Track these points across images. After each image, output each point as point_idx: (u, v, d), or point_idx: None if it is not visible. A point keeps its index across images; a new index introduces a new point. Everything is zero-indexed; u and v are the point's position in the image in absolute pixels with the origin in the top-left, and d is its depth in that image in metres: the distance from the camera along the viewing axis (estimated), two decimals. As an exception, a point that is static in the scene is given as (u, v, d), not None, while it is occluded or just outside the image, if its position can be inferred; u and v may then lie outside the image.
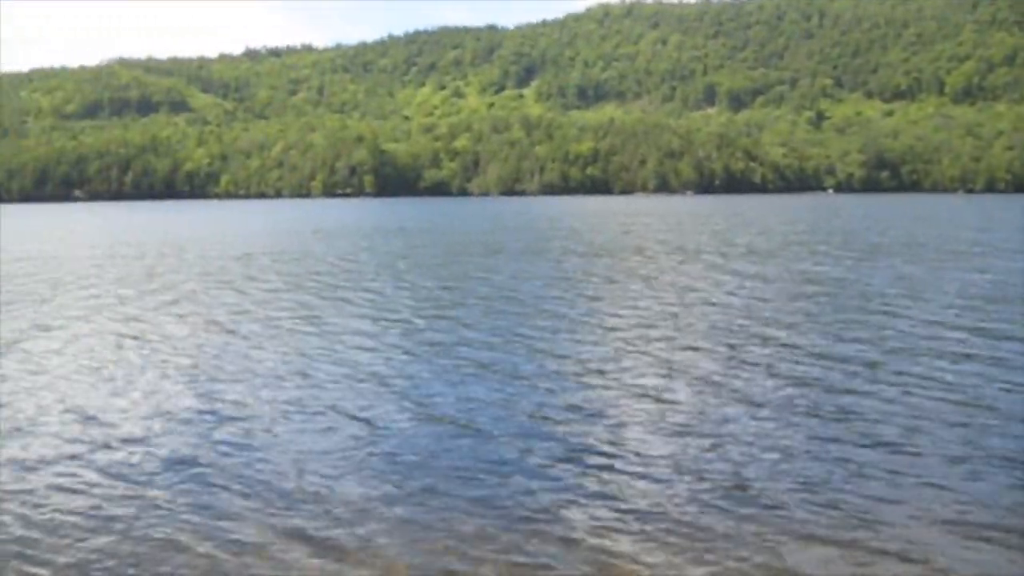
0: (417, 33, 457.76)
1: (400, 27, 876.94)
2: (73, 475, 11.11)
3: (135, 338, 20.81)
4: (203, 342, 20.15)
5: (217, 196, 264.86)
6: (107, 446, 12.28)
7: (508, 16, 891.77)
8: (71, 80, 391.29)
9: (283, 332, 21.23)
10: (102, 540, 9.11)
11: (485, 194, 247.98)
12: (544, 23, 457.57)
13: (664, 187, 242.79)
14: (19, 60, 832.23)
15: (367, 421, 13.33)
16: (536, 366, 16.99)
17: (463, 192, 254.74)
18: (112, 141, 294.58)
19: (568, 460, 11.50)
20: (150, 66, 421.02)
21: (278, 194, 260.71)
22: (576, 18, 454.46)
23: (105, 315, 24.65)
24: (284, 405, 14.29)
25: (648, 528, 9.24)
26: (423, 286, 30.67)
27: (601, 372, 16.42)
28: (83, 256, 46.95)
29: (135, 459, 11.68)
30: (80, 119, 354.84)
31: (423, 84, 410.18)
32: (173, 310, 25.64)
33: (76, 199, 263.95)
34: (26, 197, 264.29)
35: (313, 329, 21.52)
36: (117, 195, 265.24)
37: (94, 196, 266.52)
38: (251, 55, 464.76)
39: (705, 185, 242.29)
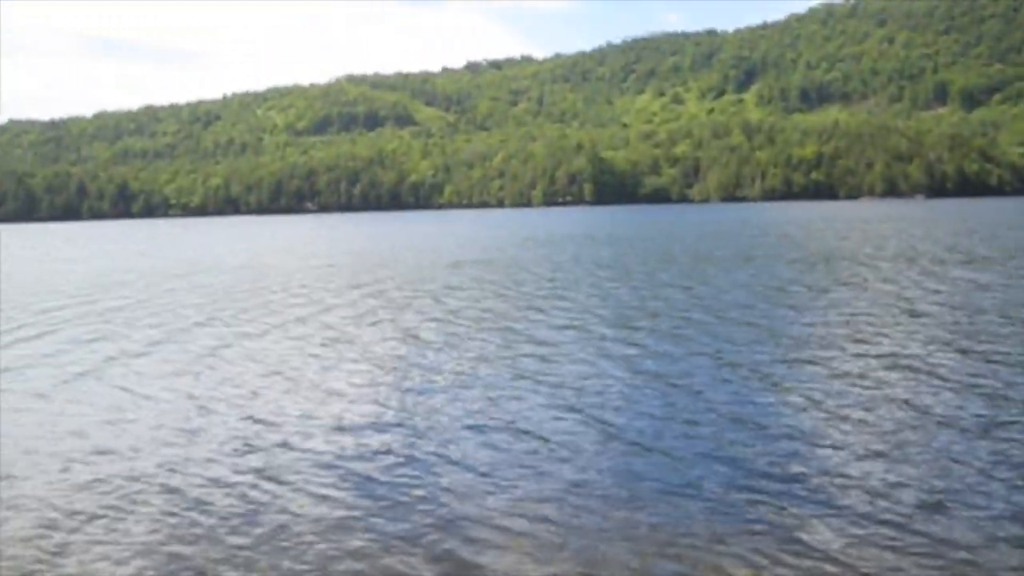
0: (635, 40, 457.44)
1: (618, 35, 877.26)
2: (251, 479, 11.31)
3: (324, 345, 21.32)
4: (394, 351, 20.37)
5: (441, 206, 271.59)
6: (283, 449, 12.43)
7: (727, 20, 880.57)
8: (303, 97, 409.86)
9: (473, 342, 21.22)
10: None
11: (705, 200, 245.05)
12: (765, 25, 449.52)
13: (892, 191, 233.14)
14: (257, 80, 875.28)
15: (545, 438, 12.99)
16: (725, 380, 16.32)
17: (683, 199, 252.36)
18: (341, 155, 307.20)
19: (754, 482, 10.86)
20: (376, 81, 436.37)
21: (500, 203, 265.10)
22: (798, 19, 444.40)
23: (304, 323, 25.44)
24: (464, 418, 14.19)
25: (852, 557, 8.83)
26: (621, 296, 30.22)
27: (792, 386, 15.61)
28: (300, 265, 48.87)
29: (301, 464, 11.72)
30: (311, 134, 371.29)
31: (642, 91, 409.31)
32: (371, 318, 26.22)
33: (308, 211, 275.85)
34: (262, 209, 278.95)
35: (500, 340, 21.44)
36: (346, 207, 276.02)
37: (324, 208, 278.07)
38: (472, 68, 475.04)
39: (936, 188, 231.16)
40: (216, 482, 11.51)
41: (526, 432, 13.34)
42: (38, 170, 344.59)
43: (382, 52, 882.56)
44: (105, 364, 20.05)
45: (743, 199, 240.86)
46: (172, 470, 12.10)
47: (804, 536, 9.21)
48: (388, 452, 12.58)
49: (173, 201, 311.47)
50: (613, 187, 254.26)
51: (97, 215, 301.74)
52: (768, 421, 13.60)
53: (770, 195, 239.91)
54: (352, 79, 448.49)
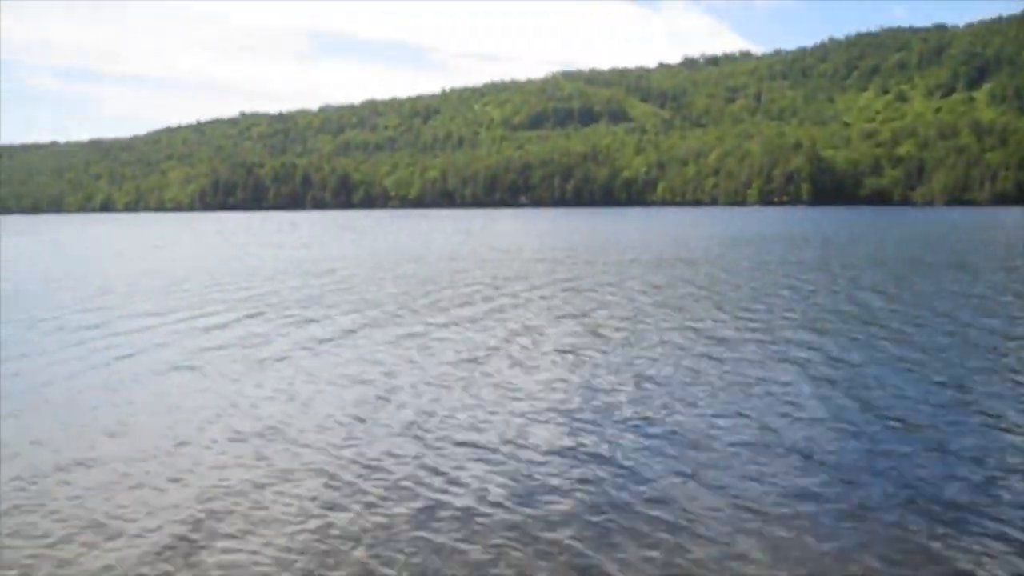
0: (859, 36, 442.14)
1: (841, 30, 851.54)
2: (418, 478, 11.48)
3: (508, 339, 21.35)
4: (574, 348, 20.26)
5: (653, 203, 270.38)
6: (447, 440, 12.51)
7: (958, 14, 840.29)
8: (519, 92, 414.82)
9: (653, 341, 20.93)
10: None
11: (929, 203, 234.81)
12: (999, 19, 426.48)
13: None
14: (475, 76, 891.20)
15: (708, 446, 12.68)
16: (912, 394, 15.36)
17: (905, 201, 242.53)
18: (555, 150, 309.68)
19: (935, 508, 10.08)
20: (591, 77, 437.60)
21: (713, 202, 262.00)
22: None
23: (495, 315, 25.66)
24: (628, 419, 13.99)
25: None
26: (817, 300, 29.28)
27: (988, 405, 14.62)
28: (502, 258, 49.43)
29: (462, 454, 11.81)
30: (527, 129, 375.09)
31: (865, 88, 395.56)
32: (558, 313, 26.23)
33: (521, 205, 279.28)
34: (477, 202, 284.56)
35: (682, 340, 21.07)
36: (559, 202, 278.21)
37: (537, 203, 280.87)
38: (689, 64, 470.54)
39: None
40: (372, 467, 11.79)
41: (689, 438, 13.05)
42: (266, 161, 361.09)
43: (598, 48, 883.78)
44: (294, 348, 20.90)
45: (970, 203, 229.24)
46: (337, 453, 12.45)
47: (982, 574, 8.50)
48: (541, 447, 12.57)
49: (392, 193, 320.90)
50: (832, 187, 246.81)
51: (320, 205, 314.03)
52: (958, 442, 12.64)
53: (1000, 199, 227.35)
54: (568, 75, 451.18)
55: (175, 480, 11.36)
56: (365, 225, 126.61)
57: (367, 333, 23.13)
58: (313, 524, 9.79)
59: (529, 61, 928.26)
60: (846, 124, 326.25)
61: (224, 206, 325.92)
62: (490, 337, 22.16)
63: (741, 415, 14.17)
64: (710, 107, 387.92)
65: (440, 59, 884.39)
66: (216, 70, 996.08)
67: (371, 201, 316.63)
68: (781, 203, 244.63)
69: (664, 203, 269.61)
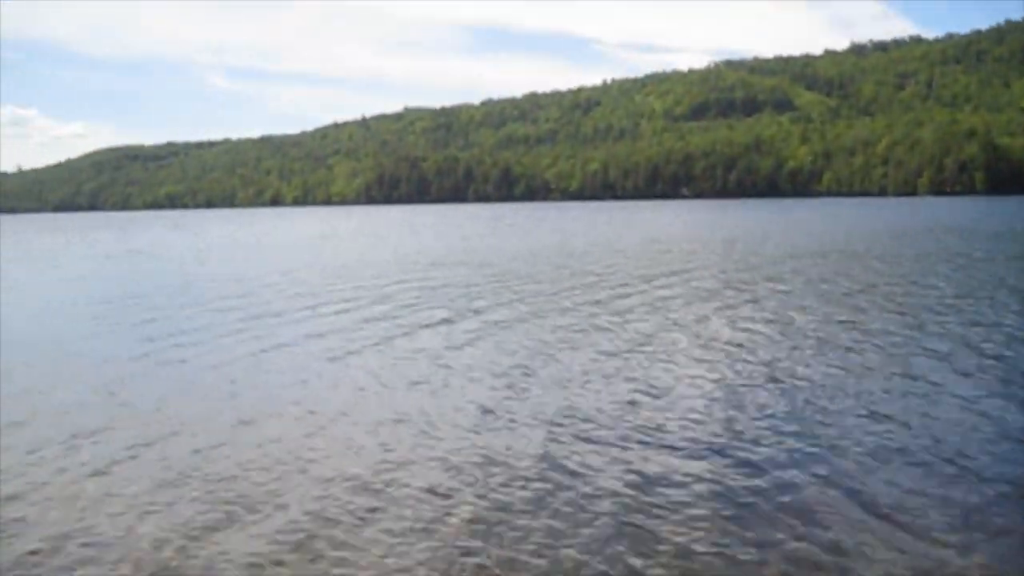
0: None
1: (1018, 11, 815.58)
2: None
3: (652, 334, 21.20)
4: (675, 343, 20.02)
5: (819, 194, 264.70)
6: (577, 436, 12.54)
7: None
8: (681, 83, 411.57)
9: (757, 341, 20.59)
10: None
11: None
12: None
13: None
14: (636, 67, 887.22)
15: (846, 450, 12.37)
16: None
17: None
18: (717, 141, 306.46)
19: None
20: (755, 66, 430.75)
21: (882, 192, 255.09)
22: None
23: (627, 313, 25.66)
24: (770, 416, 13.75)
25: None
26: (984, 297, 28.07)
27: None
28: (643, 250, 49.22)
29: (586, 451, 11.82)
30: (688, 120, 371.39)
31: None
32: (705, 309, 25.86)
33: (683, 197, 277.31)
34: (638, 194, 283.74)
35: (796, 341, 20.56)
36: (721, 193, 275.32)
37: (699, 194, 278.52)
38: (856, 50, 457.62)
39: None
40: (491, 460, 11.84)
41: (829, 437, 12.71)
42: (430, 155, 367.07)
43: (761, 36, 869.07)
44: (443, 338, 21.52)
45: None
46: (469, 441, 12.63)
47: None
48: (671, 442, 12.43)
49: (553, 185, 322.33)
50: (1008, 176, 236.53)
51: (482, 198, 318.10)
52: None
53: None
54: (730, 64, 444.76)
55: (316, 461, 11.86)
56: (527, 217, 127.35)
57: (515, 325, 23.49)
58: (431, 513, 9.91)
59: (690, 51, 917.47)
60: (1023, 110, 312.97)
61: (388, 200, 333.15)
62: (637, 331, 22.10)
63: (887, 417, 13.56)
64: (879, 94, 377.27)
65: (601, 50, 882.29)
66: (380, 65, 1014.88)
67: (532, 194, 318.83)
68: (954, 193, 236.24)
69: (830, 194, 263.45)
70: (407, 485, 10.76)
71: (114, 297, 33.14)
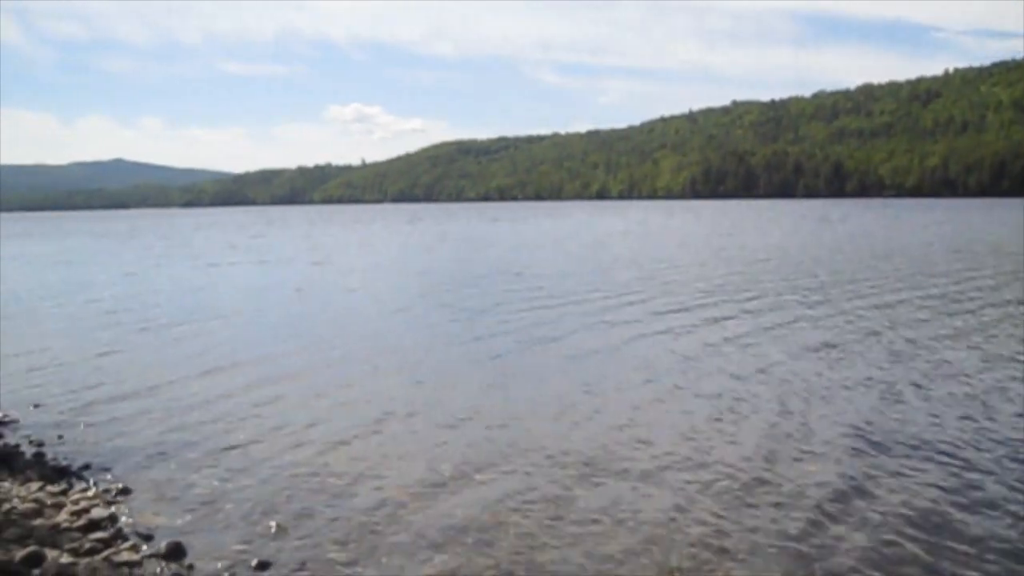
0: None
1: None
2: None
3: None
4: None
5: None
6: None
7: None
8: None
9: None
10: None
11: None
12: None
13: None
14: (981, 55, 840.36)
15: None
16: None
17: None
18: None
19: None
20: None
21: None
22: None
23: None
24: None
25: None
26: None
27: None
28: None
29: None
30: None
31: None
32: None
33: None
34: (982, 192, 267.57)
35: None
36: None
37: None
38: None
39: None
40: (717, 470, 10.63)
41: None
42: (758, 149, 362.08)
43: None
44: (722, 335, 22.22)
45: None
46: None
47: None
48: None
49: (887, 181, 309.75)
50: None
51: (812, 194, 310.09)
52: None
53: None
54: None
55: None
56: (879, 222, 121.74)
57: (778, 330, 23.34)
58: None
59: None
60: None
61: (714, 194, 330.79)
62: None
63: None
64: None
65: (943, 38, 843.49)
66: (708, 58, 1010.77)
67: (864, 190, 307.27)
68: None
69: None
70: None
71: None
